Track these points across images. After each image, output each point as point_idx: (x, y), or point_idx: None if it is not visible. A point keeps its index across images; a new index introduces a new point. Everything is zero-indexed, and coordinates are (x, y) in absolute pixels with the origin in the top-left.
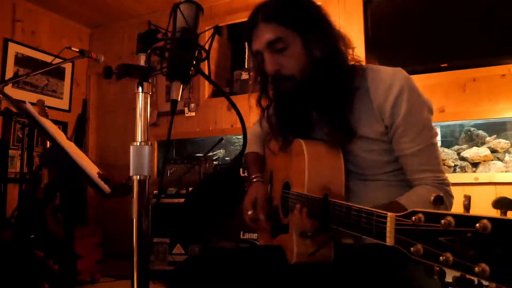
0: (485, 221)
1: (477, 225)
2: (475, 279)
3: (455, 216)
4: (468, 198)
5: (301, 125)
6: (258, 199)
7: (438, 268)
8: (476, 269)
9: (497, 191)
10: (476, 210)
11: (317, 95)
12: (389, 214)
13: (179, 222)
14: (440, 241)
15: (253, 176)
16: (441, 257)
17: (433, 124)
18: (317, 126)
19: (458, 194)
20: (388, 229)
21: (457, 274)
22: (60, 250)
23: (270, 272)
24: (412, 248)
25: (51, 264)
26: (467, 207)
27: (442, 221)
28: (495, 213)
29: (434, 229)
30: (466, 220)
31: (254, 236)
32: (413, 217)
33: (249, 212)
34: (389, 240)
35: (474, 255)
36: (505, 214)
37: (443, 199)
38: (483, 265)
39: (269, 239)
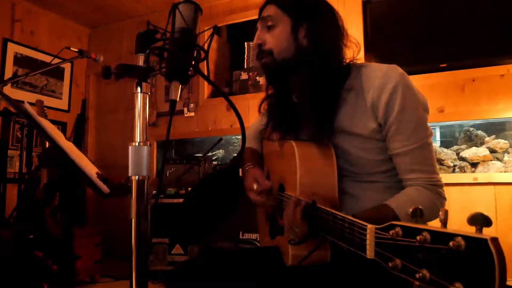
0: (459, 238)
1: (451, 243)
2: None
3: (431, 232)
4: (445, 213)
5: (289, 117)
6: (257, 177)
7: (418, 283)
8: None
9: (496, 191)
10: (476, 210)
11: (295, 80)
12: (368, 226)
13: (178, 222)
14: (418, 257)
15: (246, 165)
16: (417, 274)
17: (431, 124)
18: (304, 118)
19: (457, 194)
20: (368, 241)
21: None
22: (59, 250)
23: (268, 273)
24: (390, 263)
25: (50, 264)
26: (443, 222)
27: (418, 237)
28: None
29: (411, 244)
30: (441, 237)
31: (254, 236)
32: (391, 231)
33: (255, 186)
34: (369, 253)
35: (449, 273)
36: (481, 231)
37: (422, 212)
38: (458, 285)
39: (268, 240)
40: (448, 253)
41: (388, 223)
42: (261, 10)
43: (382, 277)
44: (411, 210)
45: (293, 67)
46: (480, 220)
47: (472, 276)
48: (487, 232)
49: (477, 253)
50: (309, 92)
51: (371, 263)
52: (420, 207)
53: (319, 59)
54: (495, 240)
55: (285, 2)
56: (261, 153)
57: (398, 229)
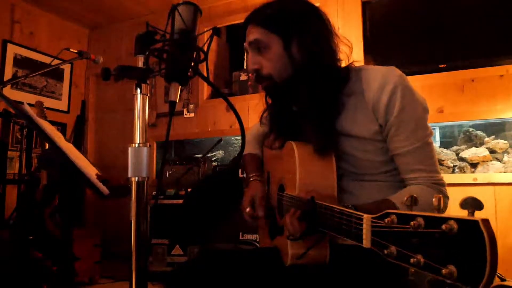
0: (451, 222)
1: (443, 226)
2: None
3: (424, 217)
4: (438, 199)
5: (290, 126)
6: (255, 198)
7: (413, 270)
8: (444, 271)
9: (495, 192)
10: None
11: (297, 97)
12: (365, 216)
13: (178, 223)
14: (412, 242)
15: (251, 176)
16: (412, 259)
17: (430, 124)
18: (305, 128)
19: (457, 195)
20: (364, 231)
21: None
22: (59, 252)
23: (268, 274)
24: (386, 250)
25: (50, 265)
26: (437, 208)
27: (412, 222)
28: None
29: (406, 230)
30: (435, 221)
31: (253, 237)
32: (386, 219)
33: (247, 210)
34: (366, 242)
35: (443, 256)
36: (473, 214)
37: (417, 200)
38: (451, 267)
39: (268, 241)
40: (441, 237)
41: (383, 212)
42: (244, 29)
43: (382, 276)
44: (405, 198)
45: (294, 84)
46: (472, 204)
47: (464, 258)
48: (480, 216)
49: (469, 235)
50: (310, 104)
51: (371, 262)
52: (414, 195)
53: (317, 69)
54: (486, 221)
55: (269, 22)
56: (261, 157)
57: (393, 216)
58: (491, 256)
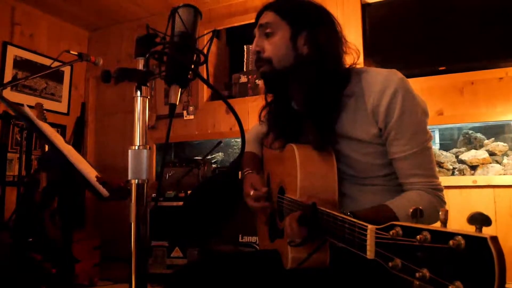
0: (459, 237)
1: (451, 242)
2: None
3: (431, 231)
4: (445, 213)
5: (290, 125)
6: (255, 183)
7: (418, 282)
8: (450, 287)
9: (495, 194)
10: None
11: (294, 89)
12: (369, 226)
13: (178, 225)
14: (418, 256)
15: (245, 170)
16: (417, 273)
17: (430, 126)
18: (305, 127)
19: (456, 197)
20: (368, 242)
21: None
22: (58, 254)
23: (268, 277)
24: (390, 263)
25: (49, 267)
26: (444, 221)
27: (418, 236)
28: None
29: (412, 244)
30: (441, 236)
31: (253, 239)
32: (391, 231)
33: (251, 192)
34: (370, 254)
35: (449, 272)
36: (480, 230)
37: (422, 212)
38: (458, 283)
39: (268, 243)
40: (448, 252)
41: (388, 223)
42: (259, 16)
43: (382, 278)
44: (411, 210)
45: (292, 75)
46: (479, 219)
47: (472, 275)
48: (487, 232)
49: (477, 251)
50: (309, 101)
51: (371, 265)
52: (420, 207)
53: (319, 67)
54: (494, 239)
55: (284, 9)
56: (261, 157)
57: (398, 229)
58: (499, 275)
